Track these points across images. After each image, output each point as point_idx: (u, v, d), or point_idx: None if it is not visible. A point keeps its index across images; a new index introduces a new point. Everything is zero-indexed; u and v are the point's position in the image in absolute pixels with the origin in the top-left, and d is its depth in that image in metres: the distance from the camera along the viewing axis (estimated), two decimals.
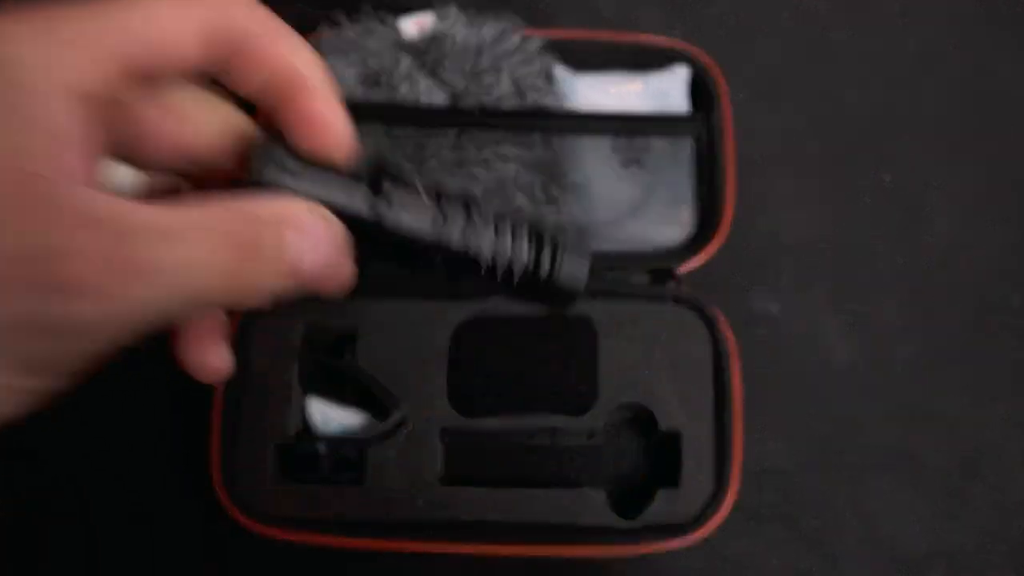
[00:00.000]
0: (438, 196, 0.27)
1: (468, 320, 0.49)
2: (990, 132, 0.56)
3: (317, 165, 0.24)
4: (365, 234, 0.25)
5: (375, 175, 0.26)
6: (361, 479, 0.47)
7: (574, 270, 0.28)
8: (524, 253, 0.27)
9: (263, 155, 0.24)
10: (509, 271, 0.27)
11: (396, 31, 0.51)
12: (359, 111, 0.41)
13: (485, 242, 0.27)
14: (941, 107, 0.56)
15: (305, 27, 0.52)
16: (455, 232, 0.26)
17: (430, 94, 0.51)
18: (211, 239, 0.21)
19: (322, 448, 0.47)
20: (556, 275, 0.27)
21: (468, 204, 0.27)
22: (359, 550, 0.46)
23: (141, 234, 0.19)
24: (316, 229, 0.23)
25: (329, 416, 0.48)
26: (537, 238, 0.28)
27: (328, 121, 0.24)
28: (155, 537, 0.49)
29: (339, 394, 0.48)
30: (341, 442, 0.47)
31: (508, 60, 0.51)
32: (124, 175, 0.26)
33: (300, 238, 0.23)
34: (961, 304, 0.53)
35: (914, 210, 0.55)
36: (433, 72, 0.51)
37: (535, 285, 0.27)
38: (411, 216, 0.26)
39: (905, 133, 0.56)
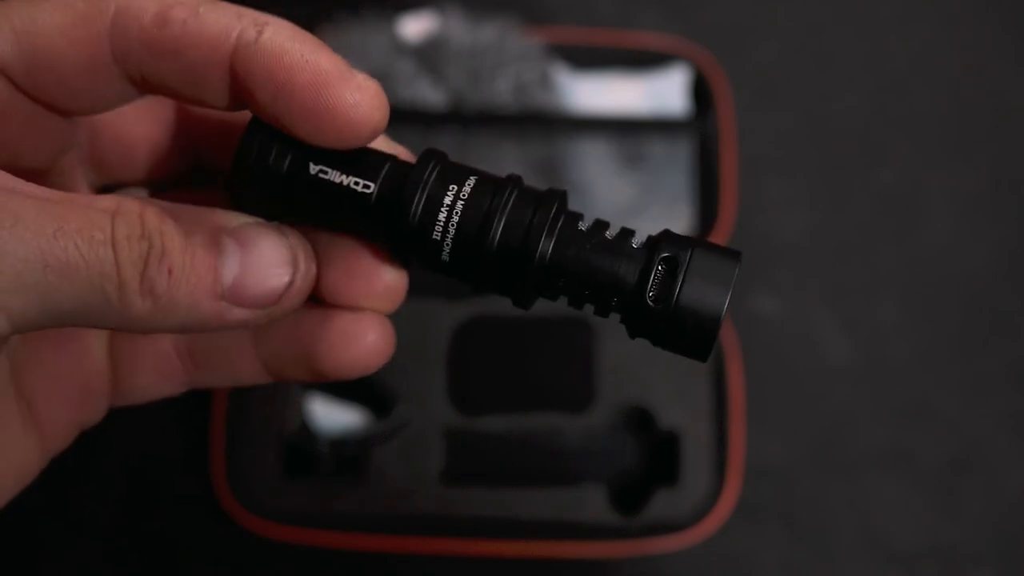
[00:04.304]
0: (497, 183, 0.21)
1: (468, 320, 0.49)
2: (989, 132, 0.56)
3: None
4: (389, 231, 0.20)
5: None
6: (362, 478, 0.47)
7: (702, 296, 0.19)
8: (629, 269, 0.20)
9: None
10: (603, 294, 0.20)
11: (396, 32, 0.52)
12: None
13: (573, 252, 0.20)
14: (940, 107, 0.56)
15: (305, 27, 0.52)
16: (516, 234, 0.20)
17: (430, 94, 0.51)
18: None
19: (323, 447, 0.47)
20: (676, 302, 0.19)
21: (541, 199, 0.21)
22: (360, 549, 0.46)
23: None
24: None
25: (330, 415, 0.48)
26: (650, 248, 0.20)
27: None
28: (156, 535, 0.49)
29: (340, 393, 0.49)
30: (342, 441, 0.47)
31: (508, 60, 0.51)
32: None
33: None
34: (958, 304, 0.53)
35: (912, 210, 0.55)
36: (433, 72, 0.51)
37: (640, 315, 0.20)
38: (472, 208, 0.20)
39: (903, 133, 0.56)
